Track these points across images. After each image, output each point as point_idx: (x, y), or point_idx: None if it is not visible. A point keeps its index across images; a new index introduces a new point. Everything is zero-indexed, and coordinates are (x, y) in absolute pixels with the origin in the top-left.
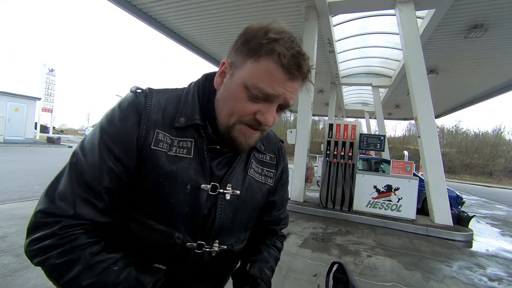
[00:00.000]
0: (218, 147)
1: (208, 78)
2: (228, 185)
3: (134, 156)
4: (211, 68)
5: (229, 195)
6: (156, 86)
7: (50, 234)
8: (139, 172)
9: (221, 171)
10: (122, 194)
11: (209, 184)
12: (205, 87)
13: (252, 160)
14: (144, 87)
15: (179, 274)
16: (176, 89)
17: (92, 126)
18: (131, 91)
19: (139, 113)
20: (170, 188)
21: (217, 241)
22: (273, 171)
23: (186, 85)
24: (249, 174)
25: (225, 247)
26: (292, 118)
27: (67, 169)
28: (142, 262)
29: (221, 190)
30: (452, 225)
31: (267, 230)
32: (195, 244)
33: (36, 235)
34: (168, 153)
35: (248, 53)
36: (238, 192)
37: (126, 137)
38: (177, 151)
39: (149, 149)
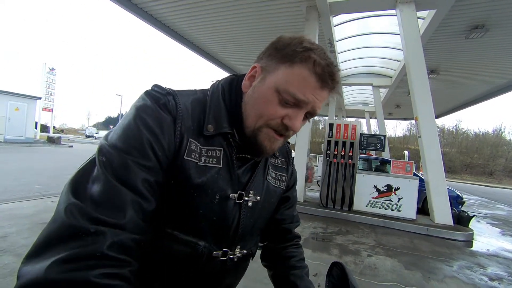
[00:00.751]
0: (248, 156)
1: (232, 82)
2: (251, 191)
3: (170, 159)
4: (212, 67)
5: (251, 201)
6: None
7: (91, 253)
8: (167, 181)
9: (244, 178)
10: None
11: (236, 193)
12: (231, 90)
13: (269, 165)
14: (167, 88)
15: (199, 281)
16: (195, 91)
17: (93, 126)
18: (155, 91)
19: (172, 116)
20: (200, 199)
21: (239, 246)
22: (285, 175)
23: (204, 87)
24: (267, 179)
25: (245, 251)
26: None
27: (98, 169)
28: (166, 275)
29: (246, 198)
30: (453, 224)
31: (282, 230)
32: (220, 252)
33: (71, 252)
34: (198, 163)
35: (282, 59)
36: (258, 198)
37: (165, 137)
38: (207, 161)
39: (182, 159)
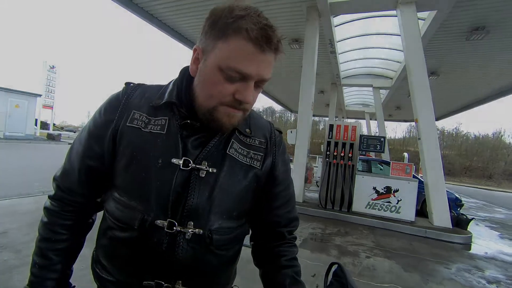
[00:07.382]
0: (189, 121)
1: (187, 69)
2: (204, 162)
3: (106, 141)
4: None
5: (204, 172)
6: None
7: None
8: (116, 151)
9: (197, 149)
10: (99, 175)
11: (181, 160)
12: (183, 75)
13: (233, 140)
14: (136, 82)
15: (152, 256)
16: (168, 84)
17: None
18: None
19: (119, 101)
20: (142, 162)
21: (192, 222)
22: (261, 154)
23: None
24: (228, 153)
25: (202, 231)
26: (292, 118)
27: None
28: (113, 245)
29: (194, 165)
30: (451, 227)
31: (274, 234)
32: (165, 222)
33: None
34: (143, 129)
35: (217, 35)
36: (215, 170)
37: (103, 125)
38: (152, 128)
39: (124, 127)
